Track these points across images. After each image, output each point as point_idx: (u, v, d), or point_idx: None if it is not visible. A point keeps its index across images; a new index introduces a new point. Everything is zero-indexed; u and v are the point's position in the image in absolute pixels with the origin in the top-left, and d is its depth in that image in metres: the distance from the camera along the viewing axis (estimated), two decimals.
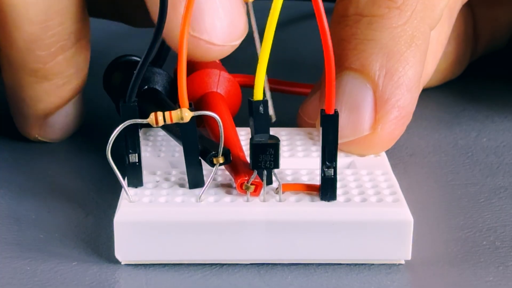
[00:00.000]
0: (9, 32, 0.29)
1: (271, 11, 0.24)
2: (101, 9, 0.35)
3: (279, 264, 0.25)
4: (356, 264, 0.25)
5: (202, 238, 0.25)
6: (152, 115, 0.24)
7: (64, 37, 0.30)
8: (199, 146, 0.26)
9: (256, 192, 0.25)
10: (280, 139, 0.25)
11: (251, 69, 0.26)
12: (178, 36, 0.24)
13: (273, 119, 0.29)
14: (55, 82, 0.31)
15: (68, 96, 0.32)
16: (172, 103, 0.30)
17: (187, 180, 0.26)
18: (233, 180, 0.26)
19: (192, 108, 0.25)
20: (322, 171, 0.25)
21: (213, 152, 0.25)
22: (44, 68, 0.30)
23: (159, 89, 0.31)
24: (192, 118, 0.25)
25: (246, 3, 0.27)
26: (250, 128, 0.26)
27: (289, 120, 0.32)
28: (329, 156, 0.25)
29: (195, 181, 0.26)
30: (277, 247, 0.25)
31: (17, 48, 0.29)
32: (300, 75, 0.40)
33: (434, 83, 0.38)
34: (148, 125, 0.25)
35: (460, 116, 0.37)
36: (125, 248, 0.25)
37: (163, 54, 0.33)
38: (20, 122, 0.33)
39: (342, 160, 0.28)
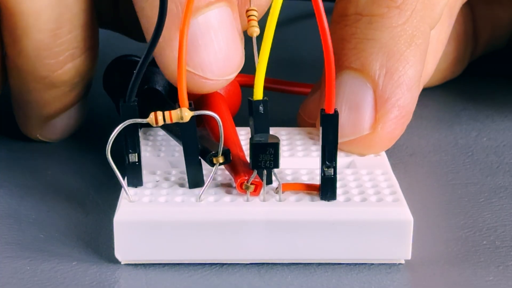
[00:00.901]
0: (18, 39, 0.29)
1: (271, 11, 0.24)
2: (104, 21, 0.35)
3: (279, 264, 0.25)
4: (356, 264, 0.25)
5: (202, 238, 0.25)
6: (152, 115, 0.24)
7: (73, 45, 0.30)
8: (199, 145, 0.26)
9: (256, 191, 0.25)
10: (280, 138, 0.25)
11: (251, 69, 0.26)
12: (176, 71, 0.24)
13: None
14: (62, 89, 0.31)
15: (73, 101, 0.32)
16: (172, 102, 0.30)
17: (187, 179, 0.26)
18: (233, 179, 0.26)
19: (192, 107, 0.25)
20: (322, 170, 0.25)
21: (213, 152, 0.25)
22: (52, 75, 0.30)
23: (159, 88, 0.31)
24: (192, 117, 0.25)
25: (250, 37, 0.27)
26: (250, 128, 0.26)
27: (289, 120, 0.32)
28: (329, 156, 0.25)
29: (195, 180, 0.26)
30: (277, 247, 0.25)
31: (25, 55, 0.29)
32: (300, 75, 0.40)
33: (434, 82, 0.38)
34: (148, 125, 0.25)
35: (460, 115, 0.37)
36: (125, 248, 0.25)
37: None
38: (22, 121, 0.33)
39: (342, 159, 0.28)
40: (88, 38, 0.30)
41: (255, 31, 0.27)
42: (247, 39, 0.28)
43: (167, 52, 0.27)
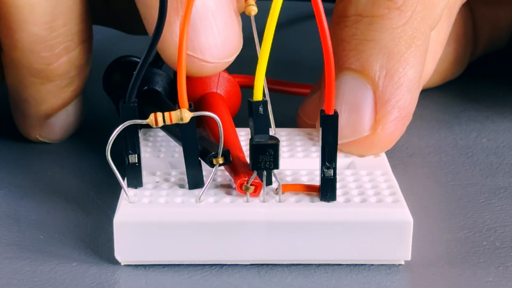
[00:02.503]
0: (13, 33, 0.29)
1: (271, 11, 0.24)
2: (97, 15, 0.35)
3: (279, 264, 0.25)
4: (356, 265, 0.25)
5: (202, 239, 0.25)
6: (151, 116, 0.24)
7: (68, 38, 0.30)
8: (198, 146, 0.26)
9: (255, 192, 0.25)
10: (279, 139, 0.25)
11: (251, 70, 0.26)
12: (175, 54, 0.24)
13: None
14: (58, 83, 0.31)
15: (70, 97, 0.32)
16: (172, 103, 0.30)
17: (186, 180, 0.26)
18: (232, 180, 0.26)
19: (191, 108, 0.25)
20: (322, 171, 0.25)
21: (213, 153, 0.25)
22: (47, 69, 0.30)
23: (159, 89, 0.31)
24: (192, 118, 0.25)
25: (248, 16, 0.27)
26: (250, 129, 0.26)
27: (289, 120, 0.32)
28: (328, 157, 0.25)
29: (195, 181, 0.26)
30: (277, 247, 0.25)
31: (21, 49, 0.29)
32: (300, 75, 0.40)
33: (434, 83, 0.38)
34: (148, 126, 0.25)
35: (460, 116, 0.37)
36: (125, 248, 0.25)
37: None
38: (21, 122, 0.33)
39: (341, 160, 0.28)
40: (82, 31, 0.30)
41: (252, 9, 0.27)
42: (248, 40, 0.28)
43: (167, 37, 0.27)
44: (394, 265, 0.25)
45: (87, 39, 0.31)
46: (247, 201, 0.25)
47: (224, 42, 0.27)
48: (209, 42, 0.27)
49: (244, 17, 0.28)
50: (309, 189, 0.26)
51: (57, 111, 0.32)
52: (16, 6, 0.28)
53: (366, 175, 0.27)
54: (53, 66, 0.30)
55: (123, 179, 0.25)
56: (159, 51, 0.27)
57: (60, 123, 0.33)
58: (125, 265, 0.25)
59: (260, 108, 0.26)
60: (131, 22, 0.29)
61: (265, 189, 0.25)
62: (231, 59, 0.27)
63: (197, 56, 0.27)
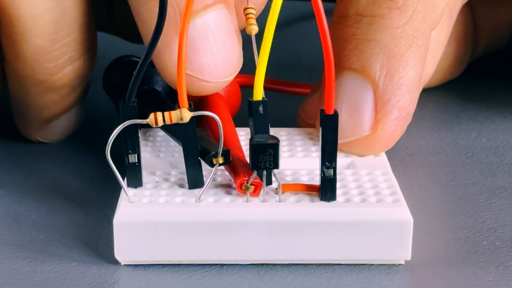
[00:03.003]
0: (17, 44, 0.29)
1: (271, 11, 0.24)
2: (100, 24, 0.35)
3: (279, 264, 0.25)
4: (356, 264, 0.25)
5: (202, 239, 0.25)
6: (151, 116, 0.24)
7: (71, 48, 0.30)
8: (198, 146, 0.26)
9: (255, 192, 0.25)
10: (279, 139, 0.25)
11: (251, 69, 0.26)
12: (174, 73, 0.25)
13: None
14: (61, 92, 0.31)
15: (72, 103, 0.32)
16: (172, 103, 0.30)
17: (186, 180, 0.26)
18: (232, 180, 0.26)
19: (191, 108, 0.25)
20: (322, 171, 0.25)
21: (213, 153, 0.25)
22: (51, 79, 0.30)
23: (159, 89, 0.31)
24: (192, 118, 0.25)
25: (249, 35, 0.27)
26: (250, 129, 0.26)
27: (289, 120, 0.32)
28: (328, 156, 0.25)
29: (195, 181, 0.26)
30: (277, 247, 0.25)
31: (24, 59, 0.29)
32: (300, 75, 0.40)
33: (434, 83, 0.38)
34: (148, 126, 0.25)
35: (460, 116, 0.37)
36: (125, 248, 0.25)
37: None
38: (21, 124, 0.33)
39: (342, 160, 0.28)
40: (86, 40, 0.30)
41: (253, 29, 0.27)
42: (247, 40, 0.28)
43: (165, 56, 0.27)
44: (394, 265, 0.25)
45: (91, 48, 0.31)
46: (247, 201, 0.25)
47: (223, 61, 0.27)
48: (209, 61, 0.27)
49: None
50: (309, 188, 0.26)
51: (58, 116, 0.32)
52: (19, 18, 0.28)
53: (366, 175, 0.27)
54: (57, 77, 0.30)
55: (123, 179, 0.25)
56: (159, 70, 0.27)
57: (61, 126, 0.33)
58: (125, 265, 0.25)
59: (260, 108, 0.26)
60: (134, 30, 0.29)
61: (265, 189, 0.25)
62: (230, 77, 0.27)
63: (197, 76, 0.27)
